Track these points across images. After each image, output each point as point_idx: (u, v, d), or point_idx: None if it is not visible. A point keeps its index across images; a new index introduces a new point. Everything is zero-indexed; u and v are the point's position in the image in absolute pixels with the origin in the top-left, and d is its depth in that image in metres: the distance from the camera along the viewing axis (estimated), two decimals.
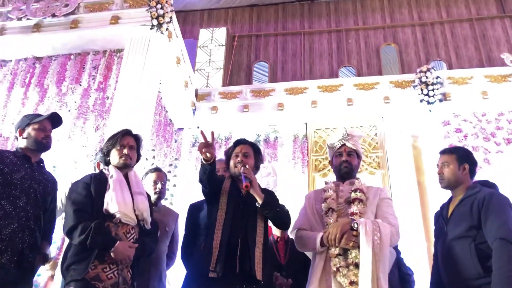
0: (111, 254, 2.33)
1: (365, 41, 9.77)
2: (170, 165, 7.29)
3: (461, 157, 2.66)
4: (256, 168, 2.75)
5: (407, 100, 7.22)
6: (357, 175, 6.74)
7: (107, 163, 2.67)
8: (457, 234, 2.46)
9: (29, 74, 6.11)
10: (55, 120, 2.81)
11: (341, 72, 9.43)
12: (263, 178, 7.40)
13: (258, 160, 2.79)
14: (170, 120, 7.32)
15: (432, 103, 6.98)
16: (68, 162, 7.06)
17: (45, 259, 2.64)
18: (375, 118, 7.42)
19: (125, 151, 2.65)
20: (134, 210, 2.51)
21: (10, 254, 2.37)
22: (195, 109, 7.57)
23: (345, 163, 2.60)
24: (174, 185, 7.12)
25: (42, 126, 2.71)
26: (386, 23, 9.94)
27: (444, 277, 2.53)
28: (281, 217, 2.62)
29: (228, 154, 2.79)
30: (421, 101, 7.05)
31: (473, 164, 2.68)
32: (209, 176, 2.50)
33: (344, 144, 2.63)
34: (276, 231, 3.38)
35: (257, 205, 2.54)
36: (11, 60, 6.25)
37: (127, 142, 2.69)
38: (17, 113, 6.15)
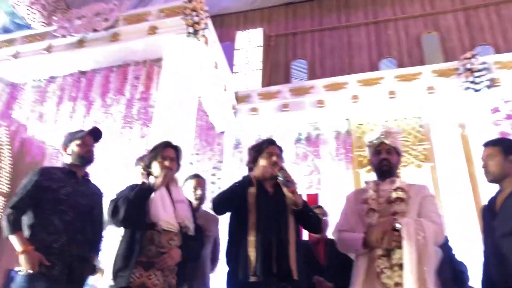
0: (162, 259, 2.40)
1: (405, 30, 9.51)
2: (214, 168, 7.39)
3: (507, 148, 2.53)
4: None
5: (452, 89, 6.97)
6: (404, 169, 6.57)
7: (149, 174, 2.75)
8: (506, 230, 2.35)
9: (76, 88, 6.37)
10: (96, 134, 2.92)
11: (382, 65, 9.22)
12: (306, 176, 7.37)
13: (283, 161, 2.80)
14: (212, 124, 7.42)
15: (479, 90, 6.70)
16: (118, 168, 7.35)
17: (93, 270, 2.75)
18: (419, 110, 7.21)
19: (166, 163, 2.72)
20: (176, 217, 2.57)
21: (60, 267, 2.51)
22: (235, 112, 7.64)
23: (385, 161, 2.53)
24: (219, 188, 7.22)
25: (84, 142, 2.83)
26: (426, 10, 9.63)
27: (495, 275, 2.42)
28: (315, 222, 2.62)
29: (257, 151, 2.75)
30: (466, 89, 6.78)
31: None
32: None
33: (382, 142, 2.57)
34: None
35: (294, 208, 2.54)
36: (59, 76, 6.54)
37: (167, 154, 2.76)
38: (66, 126, 6.44)
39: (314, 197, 7.19)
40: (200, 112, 6.79)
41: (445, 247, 3.16)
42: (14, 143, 7.25)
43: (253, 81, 9.50)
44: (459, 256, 3.37)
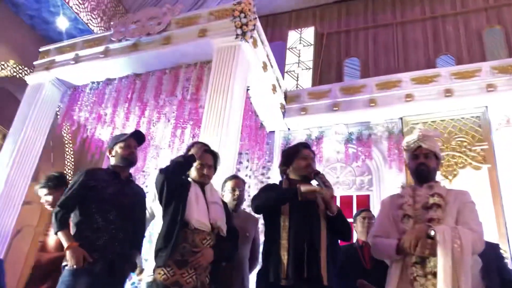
0: (197, 259, 2.48)
1: (465, 25, 9.07)
2: (264, 167, 7.45)
3: None
4: None
5: None
6: (461, 171, 6.34)
7: (187, 175, 2.84)
8: None
9: (131, 90, 6.64)
10: (138, 137, 3.06)
11: (439, 61, 8.86)
12: (357, 177, 7.24)
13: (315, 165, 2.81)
14: (261, 123, 7.47)
15: None
16: None
17: (134, 267, 2.88)
18: (478, 108, 6.86)
19: (204, 171, 2.81)
20: (209, 218, 2.64)
21: (102, 264, 2.65)
22: (284, 112, 7.64)
23: (422, 166, 2.45)
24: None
25: (127, 144, 2.97)
26: (488, 3, 9.13)
27: None
28: (347, 230, 2.62)
29: (292, 154, 2.76)
30: None
31: None
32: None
33: (420, 146, 2.49)
34: (361, 236, 3.31)
35: (329, 214, 2.53)
36: (115, 79, 6.85)
37: (206, 161, 2.83)
38: (122, 127, 6.75)
39: (365, 198, 7.06)
40: (249, 113, 6.87)
41: (494, 255, 3.03)
42: (75, 142, 7.69)
43: (304, 80, 9.45)
44: None
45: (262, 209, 2.64)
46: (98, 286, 2.62)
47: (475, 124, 6.86)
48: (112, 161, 3.00)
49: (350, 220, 6.78)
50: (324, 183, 2.58)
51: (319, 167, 7.11)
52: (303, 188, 2.47)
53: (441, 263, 2.04)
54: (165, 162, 7.46)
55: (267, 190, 2.67)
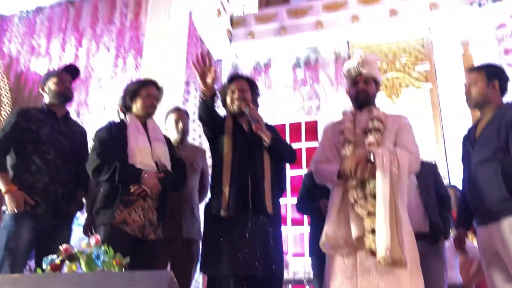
0: (142, 185, 2.44)
1: None
2: None
3: (491, 74, 2.46)
4: (255, 103, 2.71)
5: (456, 4, 6.64)
6: (403, 90, 6.50)
7: (128, 109, 2.73)
8: (483, 157, 2.35)
9: (64, 18, 6.19)
10: (72, 70, 2.87)
11: None
12: (306, 101, 7.31)
13: (255, 94, 2.75)
14: (208, 51, 7.25)
15: (483, 4, 6.38)
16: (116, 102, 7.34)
17: (80, 206, 2.84)
18: (421, 28, 6.94)
19: (151, 101, 2.70)
20: (153, 157, 2.58)
21: (45, 205, 2.59)
22: (231, 38, 7.43)
23: (362, 92, 2.48)
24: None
25: (60, 79, 2.79)
26: None
27: (470, 201, 2.46)
28: (288, 154, 2.64)
29: (223, 90, 2.71)
30: (471, 4, 6.46)
31: (504, 80, 2.47)
32: (210, 112, 2.50)
33: (359, 72, 2.49)
34: None
35: (265, 144, 2.54)
36: (46, 7, 6.33)
37: (153, 92, 2.73)
38: (59, 59, 6.36)
39: (313, 124, 7.18)
40: (194, 39, 6.62)
41: (432, 174, 3.20)
42: (9, 77, 7.20)
43: (250, 3, 9.10)
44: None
45: (201, 119, 2.62)
46: (43, 228, 2.58)
47: (418, 44, 6.97)
48: (46, 98, 2.83)
49: (298, 146, 6.97)
50: (251, 115, 2.55)
51: (268, 93, 7.10)
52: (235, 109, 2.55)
53: (380, 184, 2.13)
54: (109, 96, 7.22)
55: None
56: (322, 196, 3.17)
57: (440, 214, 3.07)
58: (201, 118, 2.60)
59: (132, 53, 6.27)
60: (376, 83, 2.55)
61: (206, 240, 2.52)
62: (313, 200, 3.30)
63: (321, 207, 3.11)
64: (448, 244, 3.30)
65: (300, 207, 3.38)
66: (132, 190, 2.45)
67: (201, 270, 2.50)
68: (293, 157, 2.69)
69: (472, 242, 3.42)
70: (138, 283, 1.69)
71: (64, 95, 2.81)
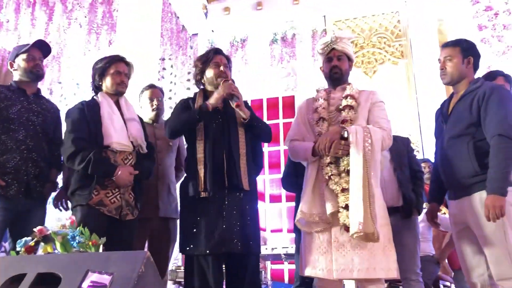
0: (114, 180, 2.43)
1: None
2: (189, 73, 7.25)
3: (466, 50, 2.48)
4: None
5: None
6: (380, 67, 6.56)
7: (98, 88, 2.67)
8: (456, 133, 2.39)
9: None
10: (42, 46, 2.78)
11: None
12: (283, 78, 7.29)
13: (231, 71, 2.73)
14: (183, 26, 7.12)
15: None
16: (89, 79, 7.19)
17: (54, 186, 2.79)
18: (398, 3, 6.95)
19: (121, 78, 2.65)
20: (128, 137, 2.56)
21: (17, 186, 2.53)
22: (207, 12, 7.30)
23: (335, 69, 2.49)
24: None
25: (31, 56, 2.70)
26: None
27: (442, 175, 2.51)
28: (265, 132, 2.64)
29: (203, 62, 2.63)
30: None
31: (477, 56, 2.50)
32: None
33: (333, 49, 2.49)
34: None
35: (243, 121, 2.53)
36: None
37: (122, 69, 2.66)
38: (29, 34, 6.14)
39: (290, 100, 7.19)
40: (169, 14, 6.49)
41: (405, 149, 3.25)
42: None
43: None
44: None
45: (176, 134, 2.60)
46: (16, 209, 2.53)
47: (394, 20, 6.98)
48: (16, 76, 2.73)
49: (276, 121, 6.98)
50: (232, 92, 2.50)
51: (245, 69, 7.05)
52: (211, 101, 2.46)
53: (353, 161, 2.17)
54: (82, 73, 7.06)
55: (178, 111, 2.57)
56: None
57: (413, 188, 3.13)
58: (177, 132, 2.56)
59: (105, 29, 6.12)
60: (350, 60, 2.56)
61: (183, 220, 2.52)
62: (298, 176, 3.30)
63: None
64: (422, 217, 3.38)
65: (285, 184, 3.37)
66: (105, 182, 2.46)
67: (180, 250, 2.49)
68: (269, 136, 2.69)
69: (445, 215, 3.51)
70: (115, 264, 1.68)
71: (35, 73, 2.72)
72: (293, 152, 2.51)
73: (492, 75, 2.83)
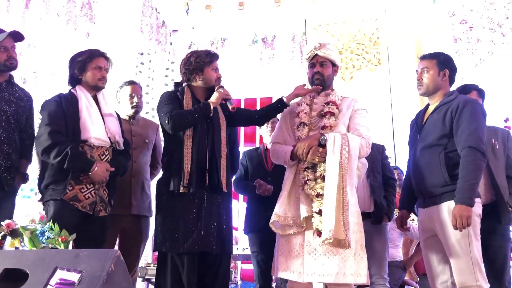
0: (89, 175, 2.40)
1: None
2: (167, 69, 7.20)
3: (442, 62, 2.55)
4: None
5: None
6: (357, 73, 6.63)
7: (77, 82, 2.63)
8: (428, 143, 2.46)
9: None
10: (17, 38, 2.71)
11: None
12: (261, 78, 7.30)
13: None
14: (163, 22, 7.05)
15: None
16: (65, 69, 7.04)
17: (24, 178, 2.73)
18: (377, 11, 7.05)
19: (102, 74, 2.62)
20: (106, 132, 2.53)
21: None
22: (188, 9, 7.25)
23: (317, 75, 2.54)
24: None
25: (3, 47, 2.62)
26: None
27: (413, 184, 2.58)
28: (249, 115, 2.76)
29: (204, 61, 2.62)
30: None
31: (453, 70, 2.58)
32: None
33: (316, 55, 2.53)
34: (266, 140, 3.41)
35: (232, 110, 2.55)
36: None
37: (103, 64, 2.63)
38: (2, 22, 5.98)
39: (268, 101, 7.21)
40: (150, 9, 6.42)
41: (379, 156, 3.31)
42: None
43: None
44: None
45: (182, 129, 2.53)
46: None
47: (373, 27, 7.08)
48: None
49: None
50: (226, 96, 2.56)
51: (224, 69, 7.04)
52: (213, 99, 2.50)
53: (330, 168, 2.21)
54: (58, 63, 6.92)
55: (174, 105, 2.52)
56: (257, 175, 3.25)
57: (385, 195, 3.20)
58: (185, 127, 2.51)
59: (84, 20, 6.00)
60: (334, 65, 2.60)
61: (160, 217, 2.50)
62: (250, 179, 3.34)
63: (255, 185, 3.16)
64: (393, 224, 3.45)
65: (236, 186, 3.40)
66: (80, 178, 2.43)
67: (155, 248, 2.48)
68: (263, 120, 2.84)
69: (415, 223, 3.60)
70: (84, 261, 1.66)
71: (8, 66, 2.64)
72: (273, 154, 2.55)
73: (466, 89, 2.91)
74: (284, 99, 2.62)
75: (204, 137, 2.50)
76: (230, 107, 2.53)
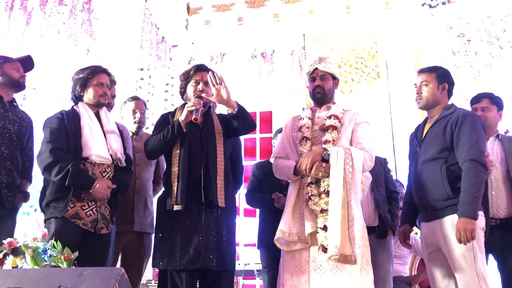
0: (91, 192, 2.39)
1: None
2: (167, 84, 7.23)
3: (441, 76, 2.57)
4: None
5: (409, 4, 6.84)
6: (356, 86, 6.66)
7: (78, 98, 2.64)
8: (429, 156, 2.46)
9: None
10: (27, 63, 2.75)
11: None
12: (261, 92, 7.32)
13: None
14: (163, 37, 7.10)
15: (435, 6, 6.62)
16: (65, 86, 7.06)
17: (25, 196, 2.72)
18: (375, 25, 7.11)
19: (104, 90, 2.62)
20: (108, 150, 2.53)
21: None
22: (187, 25, 7.31)
23: (318, 88, 2.54)
24: (172, 104, 7.10)
25: (17, 66, 2.66)
26: None
27: (415, 198, 2.57)
28: (249, 123, 2.63)
29: (185, 77, 2.65)
30: (422, 5, 6.68)
31: (451, 84, 2.60)
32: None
33: (316, 68, 2.54)
34: None
35: (229, 112, 2.53)
36: None
37: (104, 80, 2.64)
38: (3, 37, 6.02)
39: (268, 115, 7.23)
40: (150, 25, 6.46)
41: (382, 169, 3.30)
42: None
43: None
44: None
45: (154, 156, 2.59)
46: None
47: (372, 41, 7.12)
48: None
49: (253, 136, 6.99)
50: (195, 106, 2.49)
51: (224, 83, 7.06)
52: (181, 117, 2.46)
53: (334, 183, 2.19)
54: (58, 80, 6.94)
55: (158, 130, 2.56)
56: (272, 188, 3.19)
57: (389, 209, 3.18)
58: (155, 153, 2.55)
59: (84, 36, 6.04)
60: (335, 78, 2.60)
61: (159, 234, 2.49)
62: (263, 192, 3.30)
63: (274, 198, 3.12)
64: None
65: (250, 199, 3.36)
66: (82, 195, 2.42)
67: (153, 265, 2.46)
68: (252, 125, 2.67)
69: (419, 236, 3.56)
70: (88, 280, 1.64)
71: (20, 82, 2.70)
72: (276, 169, 2.53)
73: (477, 98, 2.93)
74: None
75: (198, 153, 2.49)
76: (192, 118, 2.45)
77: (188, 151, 2.47)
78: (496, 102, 2.90)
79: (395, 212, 3.21)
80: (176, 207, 2.38)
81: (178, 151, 2.47)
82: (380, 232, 3.09)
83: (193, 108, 2.45)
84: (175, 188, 2.39)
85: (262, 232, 3.31)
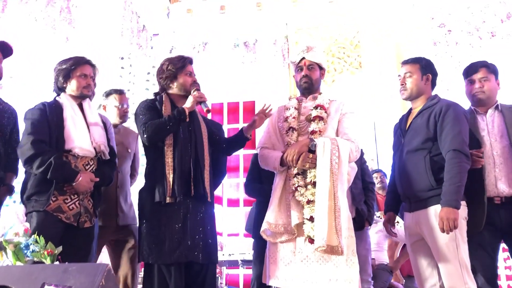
0: (73, 186, 2.35)
1: None
2: (148, 73, 7.12)
3: (425, 67, 2.58)
4: None
5: None
6: (338, 76, 6.65)
7: (61, 90, 2.57)
8: (413, 147, 2.48)
9: None
10: (4, 50, 2.64)
11: None
12: (244, 81, 7.28)
13: None
14: (144, 26, 6.98)
15: None
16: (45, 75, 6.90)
17: (10, 190, 2.66)
18: (358, 15, 7.12)
19: (87, 81, 2.56)
20: (91, 142, 2.48)
21: None
22: (169, 13, 7.20)
23: (305, 78, 2.52)
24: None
25: None
26: None
27: (399, 188, 2.59)
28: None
29: (177, 67, 2.59)
30: None
31: (435, 74, 2.61)
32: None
33: (303, 58, 2.53)
34: None
35: (248, 136, 2.62)
36: None
37: (88, 71, 2.57)
38: None
39: (251, 105, 7.20)
40: (130, 13, 6.35)
41: (358, 159, 3.31)
42: None
43: None
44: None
45: (158, 139, 2.49)
46: None
47: (354, 30, 7.14)
48: None
49: (236, 126, 6.96)
50: (200, 98, 2.52)
51: (206, 73, 7.00)
52: (187, 105, 2.47)
53: (320, 174, 2.20)
54: (37, 69, 6.79)
55: (152, 115, 2.48)
56: (271, 178, 3.17)
57: (365, 200, 3.20)
58: (160, 137, 2.47)
59: (63, 24, 5.90)
60: (321, 69, 2.60)
61: (145, 228, 2.44)
62: (262, 182, 3.28)
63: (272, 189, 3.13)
64: (380, 227, 3.46)
65: (249, 189, 3.33)
66: (64, 188, 2.37)
67: (141, 259, 2.42)
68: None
69: (401, 228, 3.62)
70: (73, 276, 1.61)
71: None
72: (262, 160, 2.52)
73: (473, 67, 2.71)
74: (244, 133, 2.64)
75: (187, 146, 2.47)
76: (204, 110, 2.49)
77: (180, 144, 2.45)
78: (493, 70, 2.70)
79: (371, 203, 3.24)
80: (168, 199, 2.35)
81: (171, 141, 2.44)
82: (357, 225, 3.10)
83: (203, 100, 2.48)
84: (170, 180, 2.36)
85: (258, 223, 3.30)
